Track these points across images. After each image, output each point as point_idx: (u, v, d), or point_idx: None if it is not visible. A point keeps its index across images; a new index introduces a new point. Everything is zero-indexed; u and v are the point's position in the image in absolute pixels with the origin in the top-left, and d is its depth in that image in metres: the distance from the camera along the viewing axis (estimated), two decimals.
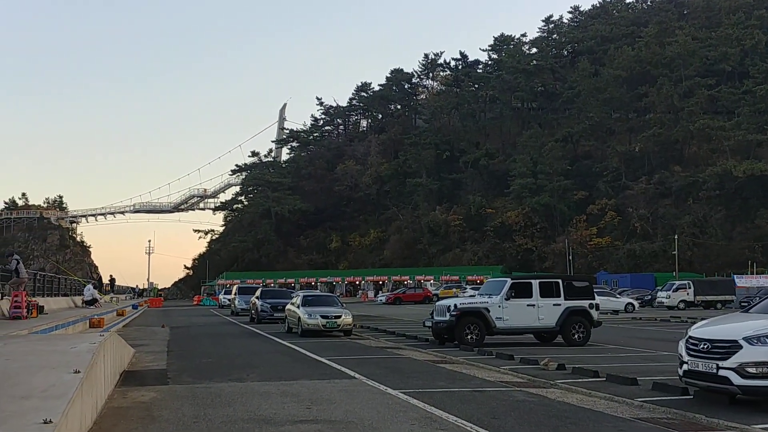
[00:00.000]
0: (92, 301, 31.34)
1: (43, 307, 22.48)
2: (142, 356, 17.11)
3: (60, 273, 49.40)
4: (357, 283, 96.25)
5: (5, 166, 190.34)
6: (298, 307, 24.41)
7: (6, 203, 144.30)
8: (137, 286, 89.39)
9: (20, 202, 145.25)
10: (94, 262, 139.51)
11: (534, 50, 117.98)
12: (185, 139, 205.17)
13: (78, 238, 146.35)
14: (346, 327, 23.44)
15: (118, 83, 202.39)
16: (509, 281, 20.22)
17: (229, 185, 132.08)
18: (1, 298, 18.94)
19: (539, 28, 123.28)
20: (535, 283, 20.04)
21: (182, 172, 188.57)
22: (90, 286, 33.70)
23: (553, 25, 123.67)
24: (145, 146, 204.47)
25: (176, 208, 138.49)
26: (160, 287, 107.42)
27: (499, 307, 19.40)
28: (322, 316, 23.19)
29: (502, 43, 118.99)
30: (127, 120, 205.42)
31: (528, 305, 19.66)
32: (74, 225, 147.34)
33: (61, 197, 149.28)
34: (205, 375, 13.21)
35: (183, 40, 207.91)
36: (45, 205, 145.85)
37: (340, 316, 23.47)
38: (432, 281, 79.11)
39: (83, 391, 7.12)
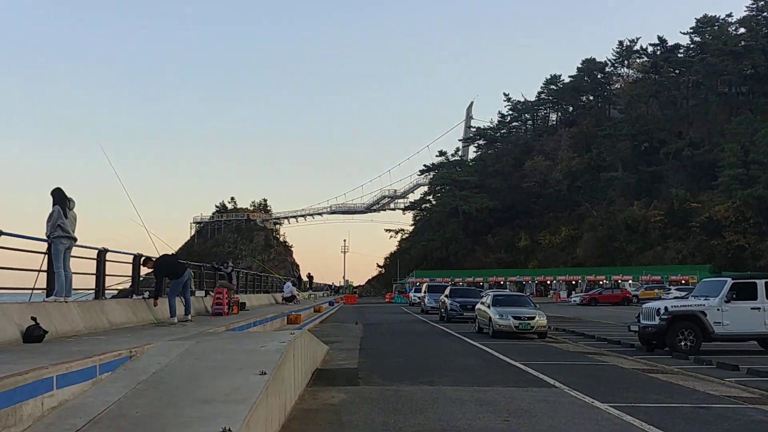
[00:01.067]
0: (291, 298, 32.48)
1: (244, 303, 23.45)
2: (335, 354, 17.10)
3: (263, 271, 52.30)
4: (548, 282, 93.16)
5: (218, 172, 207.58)
6: (488, 306, 23.49)
7: (217, 207, 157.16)
8: (333, 283, 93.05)
9: (229, 206, 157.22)
10: (296, 260, 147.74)
11: (742, 30, 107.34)
12: (377, 142, 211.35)
13: (281, 239, 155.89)
14: (540, 329, 22.13)
15: (318, 93, 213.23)
16: (730, 281, 17.85)
17: (418, 185, 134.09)
18: (205, 296, 19.86)
19: (747, 7, 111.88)
20: (761, 283, 17.53)
21: (374, 174, 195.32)
22: (289, 283, 34.98)
23: (762, 2, 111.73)
24: (340, 150, 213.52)
25: (369, 209, 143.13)
26: (354, 285, 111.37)
27: (718, 310, 17.22)
28: (514, 317, 22.09)
29: (705, 24, 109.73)
30: (324, 126, 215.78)
31: (752, 308, 17.26)
32: (277, 226, 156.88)
33: (265, 200, 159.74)
34: (395, 376, 12.72)
35: (373, 45, 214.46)
36: (251, 208, 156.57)
37: (533, 317, 22.22)
38: (630, 281, 74.50)
39: (269, 394, 6.74)
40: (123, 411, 5.87)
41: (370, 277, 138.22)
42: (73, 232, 11.06)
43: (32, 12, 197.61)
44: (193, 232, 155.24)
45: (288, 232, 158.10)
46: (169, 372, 7.26)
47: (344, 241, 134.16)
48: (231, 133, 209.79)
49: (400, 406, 9.63)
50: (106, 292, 13.97)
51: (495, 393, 10.86)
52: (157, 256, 14.84)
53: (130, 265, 15.09)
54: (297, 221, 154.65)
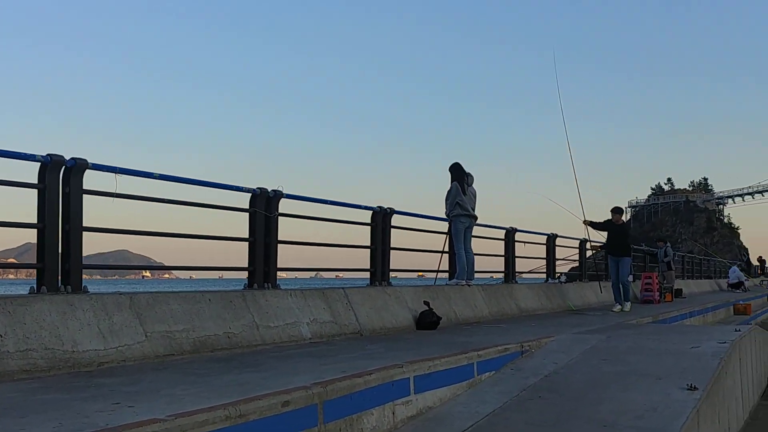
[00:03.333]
0: (738, 285, 28.13)
1: (680, 290, 20.63)
2: None
3: (706, 255, 46.99)
4: None
5: (653, 153, 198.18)
6: None
7: (653, 189, 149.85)
8: None
9: (666, 187, 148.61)
10: (743, 243, 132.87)
11: None
12: None
13: (725, 220, 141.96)
14: None
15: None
16: None
17: None
18: (633, 281, 17.65)
19: None
20: None
21: None
22: (735, 267, 30.38)
23: None
24: None
25: None
26: None
27: None
28: None
29: None
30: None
31: None
32: (720, 206, 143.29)
33: (705, 179, 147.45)
34: None
35: None
36: (690, 189, 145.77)
37: None
38: None
39: (700, 420, 4.68)
40: (494, 429, 4.48)
41: None
42: (473, 209, 10.25)
43: None
44: (628, 217, 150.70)
45: (733, 212, 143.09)
46: (564, 376, 5.67)
47: None
48: (664, 111, 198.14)
49: None
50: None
51: None
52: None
53: (544, 247, 13.94)
54: (743, 200, 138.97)
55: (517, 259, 12.36)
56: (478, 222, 10.37)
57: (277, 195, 7.06)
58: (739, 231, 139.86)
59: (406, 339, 7.00)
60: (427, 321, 8.08)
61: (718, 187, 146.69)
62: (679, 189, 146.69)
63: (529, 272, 14.25)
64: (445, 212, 10.08)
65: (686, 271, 27.36)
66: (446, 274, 10.44)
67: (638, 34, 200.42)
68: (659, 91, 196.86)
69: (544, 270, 13.92)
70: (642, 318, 10.91)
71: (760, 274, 50.23)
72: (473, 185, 10.35)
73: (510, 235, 12.15)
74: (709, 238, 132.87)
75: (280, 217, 7.13)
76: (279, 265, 7.15)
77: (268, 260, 7.02)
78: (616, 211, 12.90)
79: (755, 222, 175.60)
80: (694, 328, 10.60)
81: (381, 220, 8.66)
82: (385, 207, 8.74)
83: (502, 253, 12.16)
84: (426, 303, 8.20)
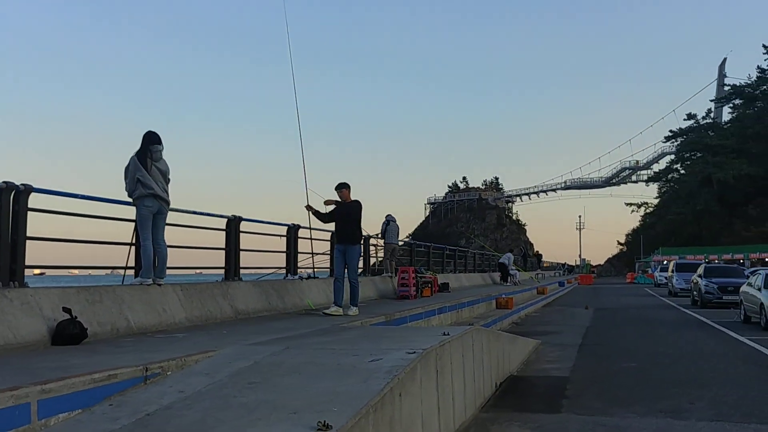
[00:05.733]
0: (504, 268, 28.93)
1: (447, 284, 20.31)
2: (547, 350, 13.25)
3: (481, 248, 48.73)
4: None
5: (452, 154, 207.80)
6: (759, 289, 17.86)
7: (450, 187, 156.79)
8: (566, 263, 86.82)
9: (462, 185, 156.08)
10: (530, 239, 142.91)
11: None
12: (614, 110, 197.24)
13: (514, 217, 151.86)
14: None
15: (546, 60, 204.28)
16: None
17: (663, 154, 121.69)
18: (394, 276, 16.84)
19: None
20: None
21: (612, 144, 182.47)
22: (509, 254, 30.92)
23: None
24: (573, 122, 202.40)
25: (607, 183, 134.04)
26: (592, 264, 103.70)
27: None
28: None
29: None
30: (555, 97, 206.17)
31: None
32: (510, 204, 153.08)
33: (497, 179, 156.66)
34: (620, 395, 8.58)
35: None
36: (483, 187, 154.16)
37: None
38: None
39: None
40: None
41: (609, 256, 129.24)
42: (165, 191, 8.38)
43: None
44: (427, 213, 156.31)
45: (521, 210, 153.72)
46: (170, 416, 4.11)
47: (579, 217, 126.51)
48: (462, 113, 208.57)
49: None
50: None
51: None
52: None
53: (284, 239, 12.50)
54: (530, 198, 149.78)
55: (242, 252, 10.74)
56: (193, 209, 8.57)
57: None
58: (525, 227, 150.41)
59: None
60: (66, 334, 6.21)
61: (508, 185, 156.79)
62: (474, 187, 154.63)
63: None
64: (127, 193, 8.15)
65: (458, 265, 27.57)
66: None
67: (432, 43, 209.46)
68: (459, 95, 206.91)
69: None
70: (374, 317, 9.80)
71: (536, 267, 53.27)
72: (164, 159, 8.37)
73: (232, 224, 10.47)
74: (499, 234, 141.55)
75: None
76: None
77: None
78: (342, 186, 10.56)
79: (539, 219, 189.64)
80: (422, 329, 9.43)
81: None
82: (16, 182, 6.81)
83: (224, 247, 10.49)
84: (66, 310, 6.31)
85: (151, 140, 8.11)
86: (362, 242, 10.77)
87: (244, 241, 10.87)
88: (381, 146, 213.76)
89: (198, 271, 12.84)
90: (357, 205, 10.55)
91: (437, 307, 13.38)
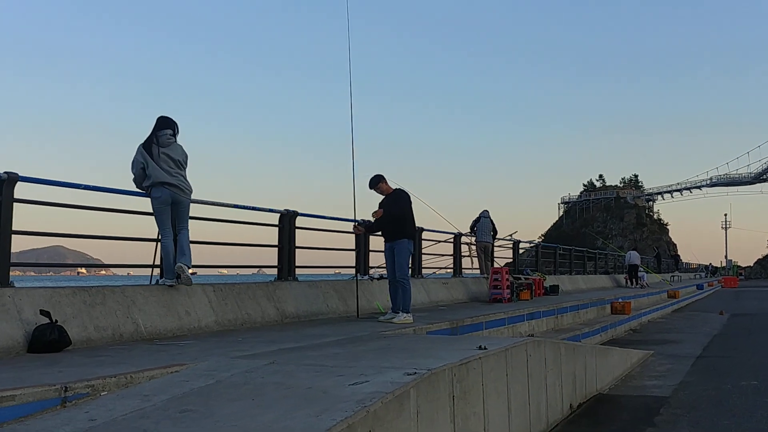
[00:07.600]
0: (634, 268, 26.73)
1: (557, 287, 18.67)
2: (654, 363, 11.51)
3: (605, 248, 45.50)
4: None
5: (585, 150, 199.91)
6: None
7: (585, 186, 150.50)
8: (710, 264, 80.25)
9: (597, 184, 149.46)
10: (672, 240, 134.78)
11: None
12: (764, 100, 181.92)
13: (655, 216, 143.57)
14: None
15: (686, 51, 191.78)
16: None
17: None
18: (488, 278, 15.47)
19: None
20: None
21: (762, 138, 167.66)
22: (633, 252, 28.29)
23: None
24: (718, 115, 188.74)
25: (757, 179, 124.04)
26: (740, 265, 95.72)
27: None
28: None
29: None
30: (699, 88, 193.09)
31: None
32: (650, 203, 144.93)
33: (636, 176, 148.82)
34: (722, 425, 6.93)
35: None
36: (621, 185, 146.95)
37: None
38: None
39: None
40: None
41: (759, 257, 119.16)
42: (179, 176, 7.44)
43: None
44: (561, 213, 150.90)
45: (662, 209, 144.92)
46: None
47: (725, 215, 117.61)
48: (597, 109, 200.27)
49: None
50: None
51: None
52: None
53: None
54: (672, 196, 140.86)
55: (302, 250, 9.95)
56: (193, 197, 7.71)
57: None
58: (668, 227, 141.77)
59: None
60: (44, 340, 5.59)
61: (648, 183, 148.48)
62: (611, 185, 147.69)
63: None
64: (135, 185, 7.46)
65: (575, 266, 25.59)
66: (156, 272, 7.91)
67: (571, 33, 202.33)
68: (592, 91, 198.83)
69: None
70: (430, 325, 8.65)
71: (674, 269, 49.45)
72: (179, 144, 7.53)
73: (285, 218, 9.67)
74: (639, 234, 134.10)
75: None
76: None
77: None
78: (376, 180, 9.21)
79: (683, 218, 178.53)
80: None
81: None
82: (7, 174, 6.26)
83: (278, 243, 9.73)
84: (45, 313, 5.69)
85: (159, 126, 7.42)
86: (414, 237, 9.51)
87: (305, 238, 10.14)
88: (514, 144, 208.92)
89: (256, 270, 12.27)
90: (399, 194, 9.25)
91: (527, 312, 11.98)
